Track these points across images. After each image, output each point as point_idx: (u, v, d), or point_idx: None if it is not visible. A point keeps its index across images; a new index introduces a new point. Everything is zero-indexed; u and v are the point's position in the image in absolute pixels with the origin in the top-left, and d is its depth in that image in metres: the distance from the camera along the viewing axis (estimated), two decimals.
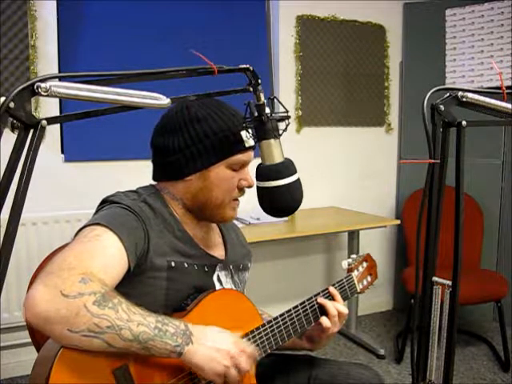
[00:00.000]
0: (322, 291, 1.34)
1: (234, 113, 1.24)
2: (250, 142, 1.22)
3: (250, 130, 1.21)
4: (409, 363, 2.78)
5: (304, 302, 1.29)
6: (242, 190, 1.26)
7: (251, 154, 1.26)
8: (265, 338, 1.19)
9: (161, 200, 1.23)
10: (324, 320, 1.29)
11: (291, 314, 1.26)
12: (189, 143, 1.20)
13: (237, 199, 1.27)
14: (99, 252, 1.04)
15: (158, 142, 1.25)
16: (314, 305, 1.30)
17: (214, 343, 1.03)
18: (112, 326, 0.93)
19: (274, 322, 1.22)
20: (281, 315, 1.24)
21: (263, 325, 1.20)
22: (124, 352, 0.97)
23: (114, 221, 1.10)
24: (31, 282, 1.25)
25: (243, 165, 1.24)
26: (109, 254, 1.05)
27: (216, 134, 1.20)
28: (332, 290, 1.35)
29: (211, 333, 1.05)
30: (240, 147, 1.21)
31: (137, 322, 0.96)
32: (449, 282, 1.14)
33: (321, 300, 1.31)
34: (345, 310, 1.32)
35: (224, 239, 1.37)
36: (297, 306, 1.28)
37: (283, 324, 1.23)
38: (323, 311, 1.30)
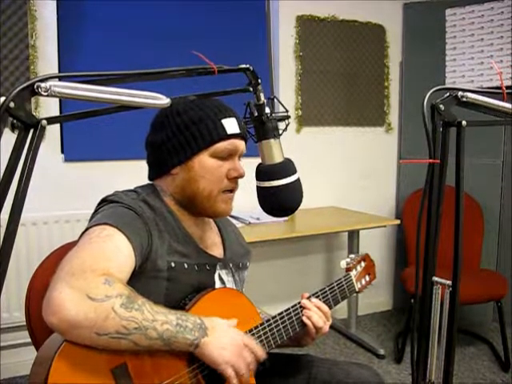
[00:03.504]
0: (292, 306, 1.29)
1: (217, 103, 1.23)
2: (234, 130, 1.21)
3: (234, 119, 1.21)
4: (409, 363, 2.78)
5: (289, 309, 1.28)
6: (232, 181, 1.23)
7: (238, 142, 1.23)
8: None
9: (159, 199, 1.23)
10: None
11: (276, 321, 1.24)
12: (170, 136, 1.21)
13: (229, 191, 1.24)
14: (114, 253, 1.05)
15: (147, 140, 1.28)
16: (298, 312, 1.29)
17: (225, 334, 1.08)
18: (139, 328, 0.96)
19: (255, 330, 1.20)
20: (267, 321, 1.23)
21: (255, 327, 1.20)
22: (147, 350, 0.99)
23: (121, 221, 1.10)
24: (31, 282, 1.25)
25: (231, 154, 1.22)
26: (122, 255, 1.06)
27: (195, 123, 1.19)
28: (304, 303, 1.30)
29: (221, 325, 1.09)
30: (221, 135, 1.20)
31: (161, 321, 0.99)
32: (449, 282, 1.13)
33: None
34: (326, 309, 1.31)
35: (222, 238, 1.37)
36: (281, 313, 1.26)
37: (272, 329, 1.22)
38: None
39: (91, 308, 0.92)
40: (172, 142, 1.21)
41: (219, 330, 1.08)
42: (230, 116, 1.22)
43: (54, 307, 0.91)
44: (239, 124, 1.23)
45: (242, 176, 1.23)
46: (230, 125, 1.20)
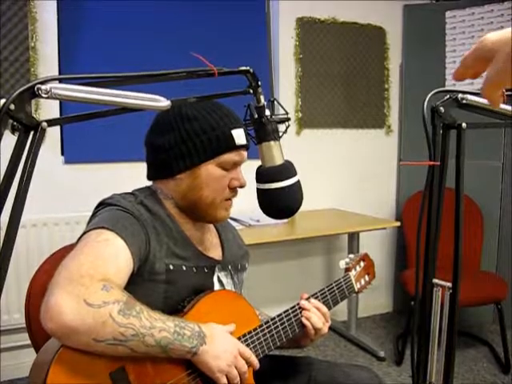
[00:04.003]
0: (291, 307, 1.29)
1: (227, 112, 1.24)
2: (242, 141, 1.22)
3: (242, 130, 1.21)
4: (409, 365, 2.77)
5: (288, 311, 1.28)
6: (233, 190, 1.25)
7: (243, 153, 1.25)
8: (252, 346, 1.18)
9: (157, 201, 1.23)
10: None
11: (275, 322, 1.24)
12: (179, 141, 1.20)
13: (229, 199, 1.26)
14: (112, 257, 1.04)
15: (150, 141, 1.26)
16: (297, 314, 1.28)
17: (222, 342, 1.08)
18: (136, 334, 0.96)
19: (254, 333, 1.20)
20: (266, 322, 1.23)
21: (254, 329, 1.20)
22: (145, 356, 0.99)
23: (119, 224, 1.10)
24: (31, 284, 1.25)
25: (235, 164, 1.24)
26: (120, 259, 1.06)
27: (206, 132, 1.20)
28: (303, 304, 1.30)
29: (219, 332, 1.09)
30: (230, 146, 1.21)
31: (158, 329, 0.99)
32: (449, 284, 1.14)
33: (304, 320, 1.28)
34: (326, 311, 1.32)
35: (221, 240, 1.37)
36: (281, 315, 1.26)
37: (271, 331, 1.22)
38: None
39: (89, 314, 0.92)
40: (180, 147, 1.20)
41: (217, 337, 1.08)
42: (239, 127, 1.22)
43: (52, 313, 0.91)
44: (246, 134, 1.24)
45: (243, 186, 1.25)
46: (239, 136, 1.21)
